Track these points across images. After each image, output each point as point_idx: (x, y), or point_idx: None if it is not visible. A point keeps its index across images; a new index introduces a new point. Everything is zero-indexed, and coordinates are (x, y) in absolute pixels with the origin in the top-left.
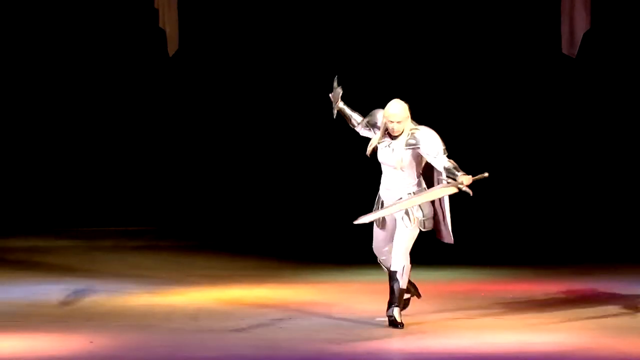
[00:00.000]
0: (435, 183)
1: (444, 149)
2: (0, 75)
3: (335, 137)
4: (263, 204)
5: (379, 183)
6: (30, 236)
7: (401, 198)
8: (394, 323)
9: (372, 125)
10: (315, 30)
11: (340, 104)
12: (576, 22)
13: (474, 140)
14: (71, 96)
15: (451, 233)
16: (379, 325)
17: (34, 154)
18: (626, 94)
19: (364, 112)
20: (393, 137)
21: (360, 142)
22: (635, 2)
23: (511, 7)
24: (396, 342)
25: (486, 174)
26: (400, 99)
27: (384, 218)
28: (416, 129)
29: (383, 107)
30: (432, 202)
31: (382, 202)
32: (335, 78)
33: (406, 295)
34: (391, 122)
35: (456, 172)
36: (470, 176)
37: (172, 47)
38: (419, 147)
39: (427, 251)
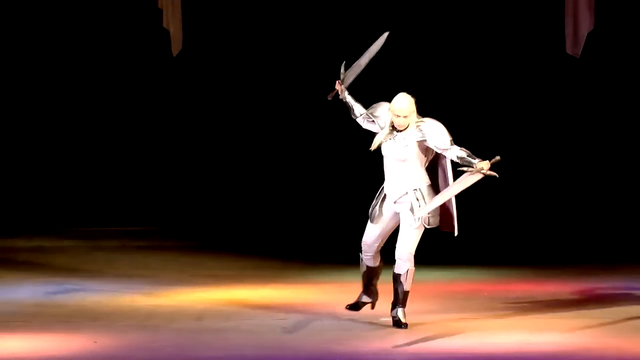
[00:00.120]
0: (441, 177)
1: (451, 140)
2: (4, 76)
3: (338, 137)
4: (267, 204)
5: (381, 182)
6: (35, 236)
7: (407, 193)
8: (398, 323)
9: (376, 117)
10: (318, 30)
11: (346, 94)
12: (580, 22)
13: (477, 139)
14: (75, 96)
15: (456, 224)
16: (383, 325)
17: (38, 154)
18: (630, 94)
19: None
20: (398, 131)
21: (362, 142)
22: (639, 2)
23: (515, 7)
24: (400, 341)
25: (498, 157)
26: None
27: (379, 213)
28: (422, 121)
29: (388, 101)
30: (436, 194)
31: (385, 196)
32: (343, 64)
33: (367, 299)
34: (397, 116)
35: (472, 160)
36: (487, 161)
37: (176, 47)
38: (426, 140)
39: (429, 251)
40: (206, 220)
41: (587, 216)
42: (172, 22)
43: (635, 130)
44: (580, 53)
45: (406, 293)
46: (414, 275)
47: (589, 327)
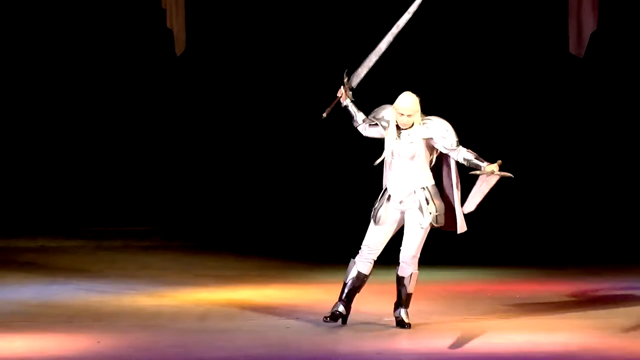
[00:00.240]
0: (445, 176)
1: (457, 140)
2: (7, 76)
3: (341, 137)
4: (270, 204)
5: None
6: (38, 236)
7: (415, 192)
8: (401, 323)
9: (378, 119)
10: (321, 30)
11: (349, 101)
12: (584, 22)
13: (481, 139)
14: (78, 96)
15: (463, 222)
16: (386, 325)
17: (41, 154)
18: (633, 94)
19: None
20: (404, 129)
21: (365, 142)
22: None
23: (519, 6)
24: (404, 342)
25: (500, 162)
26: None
27: (384, 216)
28: (428, 119)
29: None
30: (441, 194)
31: (389, 196)
32: (346, 72)
33: (343, 311)
34: (401, 114)
35: (480, 163)
36: (495, 164)
37: (180, 47)
38: (432, 139)
39: (434, 251)
40: (210, 220)
41: (591, 217)
42: (176, 22)
43: (638, 130)
44: (583, 53)
45: (409, 295)
46: (417, 278)
47: (594, 327)
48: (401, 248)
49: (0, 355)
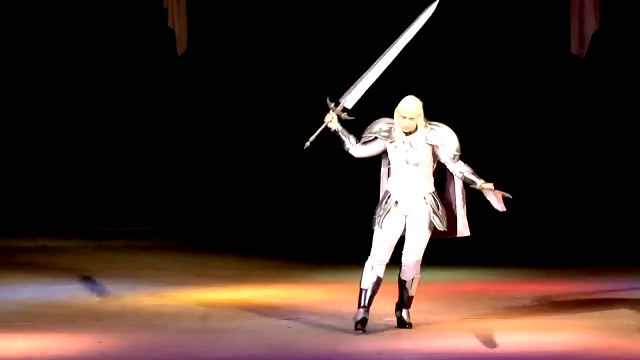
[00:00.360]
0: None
1: (459, 154)
2: (8, 76)
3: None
4: (271, 204)
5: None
6: (39, 237)
7: (424, 197)
8: (402, 323)
9: (377, 133)
10: (322, 29)
11: (338, 126)
12: (585, 22)
13: (482, 139)
14: (79, 96)
15: (467, 224)
16: (388, 325)
17: (42, 154)
18: (635, 94)
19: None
20: (408, 134)
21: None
22: None
23: (521, 7)
24: (405, 341)
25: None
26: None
27: (391, 221)
28: (436, 125)
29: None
30: (443, 197)
31: (396, 201)
32: (328, 98)
33: (366, 315)
34: (403, 117)
35: (476, 179)
36: (491, 184)
37: (181, 47)
38: (438, 147)
39: (435, 252)
40: (210, 220)
41: (592, 217)
42: (177, 22)
43: (639, 131)
44: (585, 53)
45: (411, 297)
46: (419, 282)
47: (595, 327)
48: (404, 252)
49: (1, 355)
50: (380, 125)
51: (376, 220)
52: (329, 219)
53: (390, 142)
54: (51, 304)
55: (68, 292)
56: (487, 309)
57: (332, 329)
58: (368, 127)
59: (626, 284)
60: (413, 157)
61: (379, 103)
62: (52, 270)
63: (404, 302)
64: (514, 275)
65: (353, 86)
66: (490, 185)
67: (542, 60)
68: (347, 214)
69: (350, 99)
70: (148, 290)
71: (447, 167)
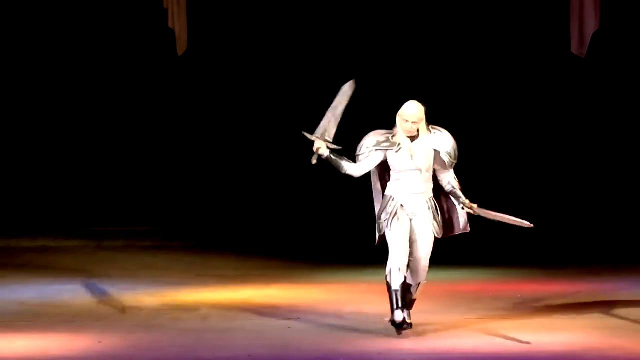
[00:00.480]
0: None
1: (455, 163)
2: (9, 76)
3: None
4: (272, 204)
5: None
6: (39, 237)
7: (427, 202)
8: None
9: (377, 145)
10: (323, 29)
11: (328, 153)
12: (585, 22)
13: (482, 139)
14: (80, 96)
15: (467, 220)
16: (388, 325)
17: (42, 154)
18: (635, 94)
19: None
20: (411, 139)
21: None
22: None
23: (521, 7)
24: (406, 341)
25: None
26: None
27: (400, 225)
28: (438, 130)
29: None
30: (440, 199)
31: (401, 205)
32: (305, 133)
33: (404, 314)
34: (406, 121)
35: (461, 196)
36: (476, 205)
37: (181, 47)
38: (440, 151)
39: (435, 252)
40: (211, 220)
41: (593, 217)
42: (178, 22)
43: (639, 131)
44: (585, 53)
45: (414, 300)
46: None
47: (595, 327)
48: (412, 258)
49: (2, 355)
50: (373, 139)
51: (384, 225)
52: (330, 219)
53: (396, 151)
54: (51, 304)
55: (68, 292)
56: (487, 309)
57: (333, 329)
58: (359, 146)
59: (625, 284)
60: (419, 162)
61: (379, 103)
62: (52, 270)
63: (405, 302)
64: (514, 275)
65: (324, 120)
66: (475, 206)
67: (542, 60)
68: (348, 214)
69: (326, 134)
70: (148, 290)
71: (437, 173)
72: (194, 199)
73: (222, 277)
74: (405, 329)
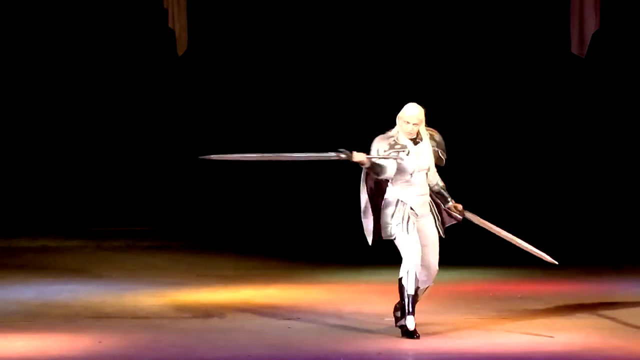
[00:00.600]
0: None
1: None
2: (9, 76)
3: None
4: (273, 204)
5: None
6: (40, 237)
7: (429, 203)
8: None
9: (391, 149)
10: (323, 29)
11: (368, 162)
12: (585, 22)
13: (482, 139)
14: (80, 96)
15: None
16: (387, 325)
17: (43, 154)
18: (635, 94)
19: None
20: (414, 141)
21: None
22: None
23: (521, 7)
24: (406, 342)
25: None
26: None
27: (412, 227)
28: (433, 131)
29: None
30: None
31: (411, 207)
32: (339, 154)
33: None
34: (407, 123)
35: (447, 195)
36: (461, 208)
37: (181, 47)
38: (439, 151)
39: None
40: (211, 220)
41: (593, 217)
42: (178, 22)
43: (639, 131)
44: (585, 53)
45: (416, 302)
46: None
47: (595, 327)
48: (423, 262)
49: (2, 355)
50: (384, 143)
51: (399, 228)
52: (330, 219)
53: (407, 154)
54: (51, 304)
55: (68, 292)
56: (487, 309)
57: (333, 329)
58: (374, 151)
59: (625, 284)
60: (425, 163)
61: (379, 104)
62: (52, 270)
63: (412, 306)
64: (514, 275)
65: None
66: (459, 206)
67: (542, 61)
68: (348, 214)
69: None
70: (148, 290)
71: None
72: (194, 199)
73: (222, 277)
74: (415, 338)
